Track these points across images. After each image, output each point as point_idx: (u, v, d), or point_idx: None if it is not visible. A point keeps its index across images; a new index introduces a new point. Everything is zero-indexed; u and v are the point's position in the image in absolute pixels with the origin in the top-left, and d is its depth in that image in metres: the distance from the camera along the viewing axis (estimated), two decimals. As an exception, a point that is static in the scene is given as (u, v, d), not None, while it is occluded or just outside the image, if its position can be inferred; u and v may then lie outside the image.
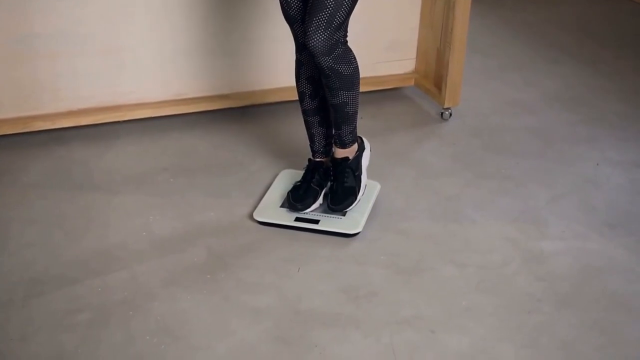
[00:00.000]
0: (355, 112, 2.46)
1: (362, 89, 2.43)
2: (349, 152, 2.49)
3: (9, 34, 2.69)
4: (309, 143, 2.58)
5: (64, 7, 2.72)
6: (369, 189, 2.57)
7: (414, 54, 3.30)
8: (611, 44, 3.99)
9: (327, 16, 2.23)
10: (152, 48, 2.92)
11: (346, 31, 2.34)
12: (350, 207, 2.46)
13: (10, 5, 2.65)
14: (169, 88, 2.99)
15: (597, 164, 2.85)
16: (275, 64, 3.06)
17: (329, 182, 2.53)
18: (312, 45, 2.26)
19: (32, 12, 2.69)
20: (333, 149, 2.51)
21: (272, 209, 2.49)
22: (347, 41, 2.35)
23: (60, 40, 2.77)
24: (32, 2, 2.67)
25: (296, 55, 2.48)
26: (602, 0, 4.63)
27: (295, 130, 2.91)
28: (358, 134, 2.56)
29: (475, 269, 2.28)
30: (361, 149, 2.54)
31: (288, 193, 2.51)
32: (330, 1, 2.22)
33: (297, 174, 2.63)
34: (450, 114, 3.16)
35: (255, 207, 2.51)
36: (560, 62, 3.74)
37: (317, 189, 2.51)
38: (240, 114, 3.11)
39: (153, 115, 2.98)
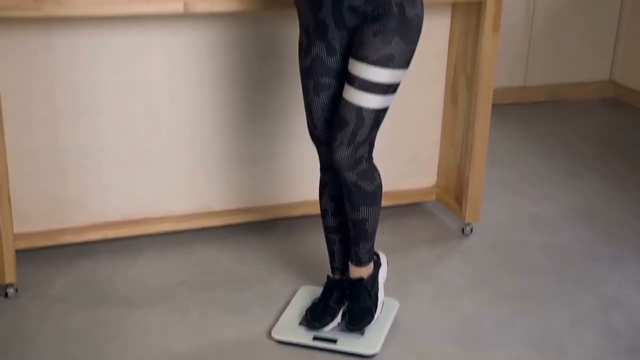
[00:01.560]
0: (375, 230, 2.49)
1: (383, 203, 2.47)
2: (365, 271, 2.51)
3: (37, 147, 2.79)
4: (329, 259, 2.61)
5: (89, 121, 2.82)
6: (388, 308, 2.58)
7: (435, 169, 3.35)
8: (632, 156, 4.02)
9: (350, 131, 2.30)
10: (177, 161, 3.00)
11: (372, 147, 2.39)
12: (367, 326, 2.47)
13: (37, 120, 2.75)
14: (193, 201, 3.06)
15: (619, 285, 2.84)
16: (299, 178, 3.12)
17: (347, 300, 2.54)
18: (336, 160, 2.32)
19: (59, 126, 2.79)
20: (349, 266, 2.54)
21: (290, 327, 2.50)
22: (372, 157, 2.41)
23: (87, 153, 2.86)
24: (59, 117, 2.77)
25: (320, 174, 2.53)
26: (624, 110, 4.68)
27: (317, 245, 2.94)
28: (376, 249, 2.58)
29: (493, 394, 2.26)
30: (377, 265, 2.56)
31: (306, 311, 2.53)
32: (353, 117, 2.29)
33: (317, 290, 2.65)
34: (471, 230, 3.18)
35: (274, 324, 2.52)
36: (580, 175, 3.77)
37: (336, 307, 2.52)
38: (263, 227, 3.16)
39: (176, 229, 3.03)
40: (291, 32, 2.75)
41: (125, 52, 2.80)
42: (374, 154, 2.42)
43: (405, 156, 3.28)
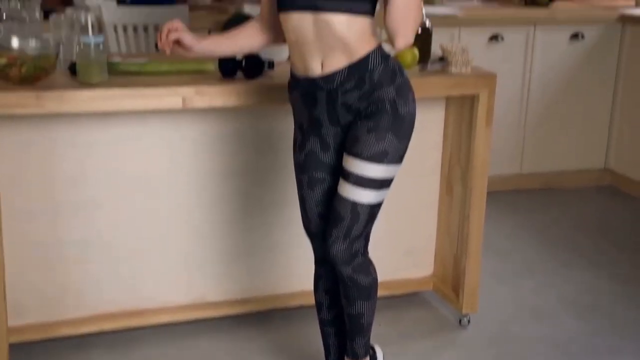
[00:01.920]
0: (370, 324, 2.49)
1: (379, 293, 2.48)
2: None
3: (34, 240, 2.80)
4: (324, 353, 2.59)
5: (88, 214, 2.84)
6: (385, 403, 2.56)
7: (431, 259, 3.36)
8: (629, 246, 4.03)
9: (346, 227, 2.32)
10: (174, 252, 3.01)
11: (367, 241, 2.41)
12: (363, 422, 2.45)
13: (36, 212, 2.77)
14: (190, 292, 3.06)
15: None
16: (296, 268, 3.13)
17: (343, 394, 2.52)
18: (332, 255, 2.33)
19: (57, 218, 2.81)
20: None
21: None
22: (367, 251, 2.42)
23: (84, 245, 2.87)
24: (57, 209, 2.80)
25: (315, 267, 2.54)
26: (620, 198, 4.71)
27: (313, 337, 2.92)
28: (372, 342, 2.57)
29: None
30: None
31: (302, 407, 2.51)
32: (348, 212, 2.31)
33: (312, 385, 2.63)
34: (469, 321, 3.17)
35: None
36: (577, 265, 3.77)
37: (332, 402, 2.50)
38: (259, 318, 3.14)
39: (172, 321, 3.02)
40: (287, 125, 2.80)
41: (124, 146, 2.84)
42: (370, 246, 2.43)
43: (401, 248, 3.29)
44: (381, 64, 2.28)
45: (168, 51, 2.38)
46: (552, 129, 4.74)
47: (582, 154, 4.85)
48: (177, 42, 2.39)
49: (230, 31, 2.51)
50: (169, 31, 2.36)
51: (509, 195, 4.60)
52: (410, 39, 2.27)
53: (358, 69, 2.27)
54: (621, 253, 3.94)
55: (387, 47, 2.37)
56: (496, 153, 4.48)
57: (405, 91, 2.33)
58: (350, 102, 2.30)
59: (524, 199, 4.65)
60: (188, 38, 2.39)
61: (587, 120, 4.79)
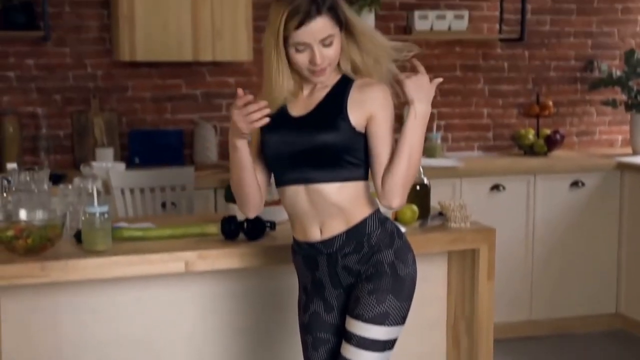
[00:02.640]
0: None
1: None
2: None
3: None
4: None
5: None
6: None
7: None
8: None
9: None
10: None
11: None
12: None
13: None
14: None
15: None
16: None
17: None
18: None
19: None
20: None
21: None
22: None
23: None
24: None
25: None
26: (632, 343, 4.64)
27: None
28: None
29: None
30: None
31: None
32: None
33: None
34: None
35: None
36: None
37: None
38: None
39: None
40: (291, 285, 2.82)
41: (127, 309, 2.86)
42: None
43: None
44: (378, 228, 2.34)
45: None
46: (559, 274, 4.74)
47: (592, 299, 4.82)
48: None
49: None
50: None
51: (519, 343, 4.54)
52: (405, 199, 2.34)
53: (356, 234, 2.32)
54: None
55: (385, 208, 2.43)
56: (504, 300, 4.48)
57: (404, 253, 2.37)
58: (351, 265, 2.34)
59: (535, 346, 4.59)
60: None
61: (594, 265, 4.79)
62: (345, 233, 2.32)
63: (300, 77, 2.33)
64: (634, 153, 5.00)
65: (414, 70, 2.33)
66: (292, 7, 2.20)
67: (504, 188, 4.59)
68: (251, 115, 2.22)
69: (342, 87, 2.32)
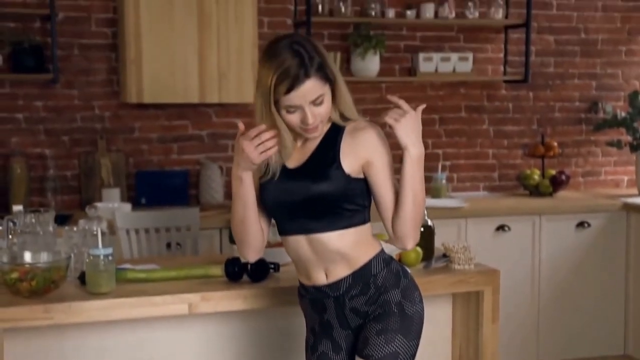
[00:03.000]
0: None
1: None
2: None
3: None
4: None
5: None
6: None
7: None
8: None
9: None
10: None
11: None
12: None
13: None
14: None
15: None
16: None
17: None
18: None
19: None
20: None
21: None
22: None
23: None
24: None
25: None
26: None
27: None
28: None
29: None
30: None
31: None
32: None
33: None
34: None
35: None
36: None
37: None
38: None
39: None
40: (296, 326, 2.84)
41: (132, 351, 2.85)
42: None
43: None
44: (384, 268, 2.35)
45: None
46: (566, 316, 4.71)
47: (599, 340, 4.79)
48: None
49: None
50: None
51: (527, 387, 4.51)
52: (419, 236, 2.36)
53: (362, 276, 2.34)
54: None
55: (389, 248, 2.44)
56: (511, 342, 4.45)
57: (411, 292, 2.38)
58: (358, 307, 2.35)
59: (543, 389, 4.55)
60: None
61: (601, 306, 4.76)
62: (351, 276, 2.33)
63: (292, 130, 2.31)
64: (640, 194, 5.00)
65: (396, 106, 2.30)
66: (280, 71, 2.18)
67: (509, 228, 4.58)
68: (265, 144, 2.22)
69: (334, 135, 2.32)
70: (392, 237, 2.35)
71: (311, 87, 2.21)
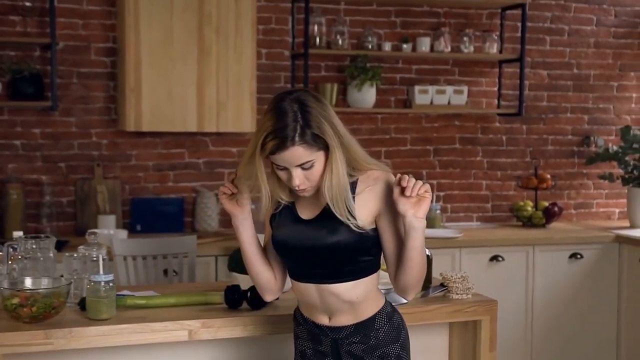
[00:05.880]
0: None
1: None
2: None
3: None
4: None
5: None
6: None
7: None
8: None
9: None
10: None
11: None
12: None
13: None
14: None
15: None
16: None
17: None
18: None
19: None
20: None
21: None
22: None
23: None
24: None
25: None
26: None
27: None
28: None
29: None
30: None
31: None
32: None
33: None
34: None
35: None
36: None
37: None
38: None
39: None
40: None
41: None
42: None
43: None
44: (387, 324, 2.37)
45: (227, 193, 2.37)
46: (559, 346, 4.73)
47: (592, 372, 4.81)
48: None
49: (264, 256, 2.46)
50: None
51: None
52: (419, 290, 2.43)
53: (364, 328, 2.35)
54: None
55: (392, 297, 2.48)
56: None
57: (407, 342, 2.42)
58: (356, 352, 2.37)
59: (536, 421, 4.55)
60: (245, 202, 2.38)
61: (594, 337, 4.79)
62: (354, 326, 2.35)
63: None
64: (632, 226, 5.04)
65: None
66: (272, 129, 2.14)
67: (503, 259, 4.62)
68: (221, 189, 2.37)
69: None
70: (394, 286, 2.36)
71: (298, 154, 2.16)
